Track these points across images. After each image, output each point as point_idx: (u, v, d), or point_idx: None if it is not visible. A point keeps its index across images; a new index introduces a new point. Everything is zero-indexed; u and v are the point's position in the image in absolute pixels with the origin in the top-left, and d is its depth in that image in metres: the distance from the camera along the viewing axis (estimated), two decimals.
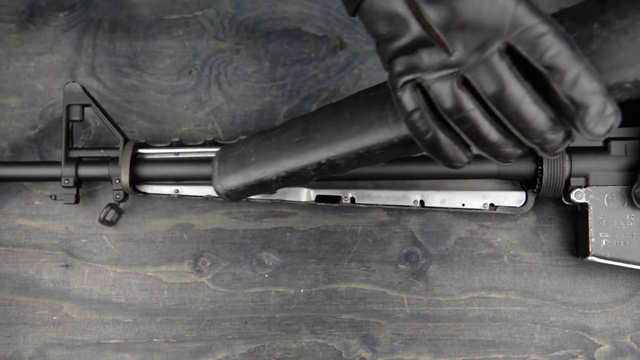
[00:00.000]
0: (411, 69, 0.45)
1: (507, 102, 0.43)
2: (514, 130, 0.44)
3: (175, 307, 0.67)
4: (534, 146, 0.45)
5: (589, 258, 0.62)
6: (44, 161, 0.65)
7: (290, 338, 0.66)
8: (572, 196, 0.62)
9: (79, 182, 0.64)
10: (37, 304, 0.67)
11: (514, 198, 0.64)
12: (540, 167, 0.61)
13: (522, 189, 0.65)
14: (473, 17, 0.43)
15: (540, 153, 0.46)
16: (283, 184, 0.57)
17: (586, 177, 0.62)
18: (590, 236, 0.61)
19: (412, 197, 0.65)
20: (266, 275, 0.67)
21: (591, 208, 0.62)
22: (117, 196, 0.64)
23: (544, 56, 0.42)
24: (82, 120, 0.64)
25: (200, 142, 0.65)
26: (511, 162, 0.48)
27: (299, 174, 0.56)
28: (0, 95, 0.72)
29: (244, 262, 0.68)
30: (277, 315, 0.66)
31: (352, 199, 0.65)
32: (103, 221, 0.65)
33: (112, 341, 0.66)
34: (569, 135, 0.45)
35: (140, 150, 0.64)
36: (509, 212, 0.64)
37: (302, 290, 0.67)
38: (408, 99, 0.45)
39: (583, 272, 0.66)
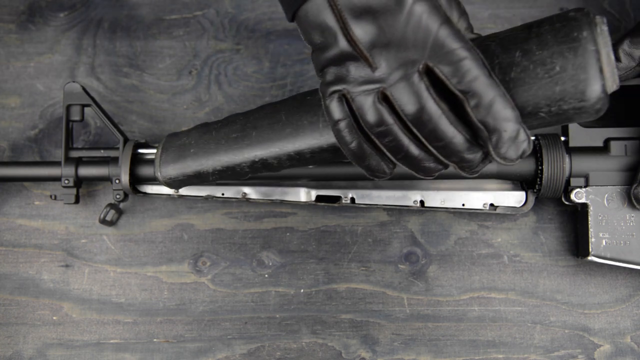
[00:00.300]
0: (339, 79, 0.46)
1: (424, 121, 0.45)
2: (431, 148, 0.46)
3: (175, 307, 0.67)
4: (451, 164, 0.47)
5: (589, 258, 0.62)
6: (44, 161, 0.65)
7: (290, 338, 0.66)
8: (572, 196, 0.62)
9: (79, 182, 0.64)
10: (37, 304, 0.67)
11: (514, 198, 0.64)
12: (540, 167, 0.61)
13: (522, 189, 0.65)
14: (397, 37, 0.44)
15: (459, 171, 0.47)
16: (219, 177, 0.59)
17: (586, 177, 0.62)
18: (590, 236, 0.61)
19: (412, 197, 0.65)
20: (266, 275, 0.67)
21: (591, 208, 0.62)
22: (117, 196, 0.64)
23: (462, 81, 0.44)
24: (82, 120, 0.64)
25: None
26: (434, 176, 0.49)
27: (234, 169, 0.57)
28: (0, 95, 0.72)
29: (244, 262, 0.68)
30: (277, 315, 0.66)
31: (352, 199, 0.65)
32: (103, 221, 0.65)
33: (112, 341, 0.66)
34: (487, 156, 0.46)
35: (140, 150, 0.64)
36: (509, 212, 0.64)
37: (302, 290, 0.67)
38: (335, 108, 0.47)
39: (583, 272, 0.66)
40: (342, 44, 0.45)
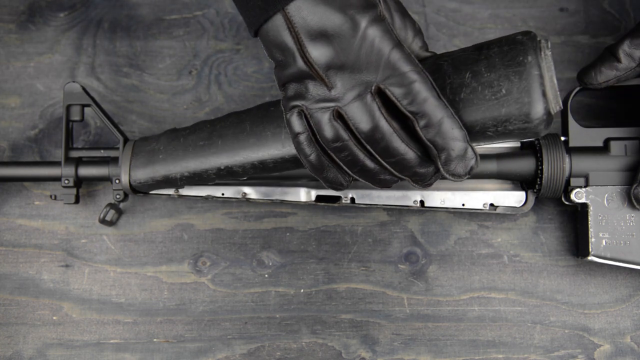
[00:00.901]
0: (299, 95, 0.49)
1: (376, 139, 0.48)
2: (384, 164, 0.49)
3: (175, 307, 0.67)
4: (405, 178, 0.50)
5: (589, 258, 0.62)
6: (44, 161, 0.65)
7: (290, 338, 0.66)
8: (572, 196, 0.62)
9: (79, 182, 0.64)
10: (37, 304, 0.67)
11: (514, 198, 0.64)
12: (540, 167, 0.61)
13: (522, 189, 0.65)
14: (351, 59, 0.46)
15: (412, 185, 0.51)
16: (187, 182, 0.61)
17: (586, 177, 0.62)
18: (590, 236, 0.61)
19: (412, 197, 0.65)
20: (266, 275, 0.67)
21: (591, 208, 0.62)
22: (117, 196, 0.64)
23: (412, 102, 0.46)
24: (82, 120, 0.64)
25: None
26: (390, 187, 0.53)
27: (200, 175, 0.60)
28: (0, 95, 0.72)
29: (244, 262, 0.68)
30: (277, 315, 0.66)
31: (352, 199, 0.65)
32: (103, 221, 0.65)
33: (112, 341, 0.66)
34: (438, 169, 0.49)
35: None
36: (509, 212, 0.64)
37: (302, 290, 0.67)
38: (295, 121, 0.49)
39: (583, 272, 0.66)
40: (300, 64, 0.47)
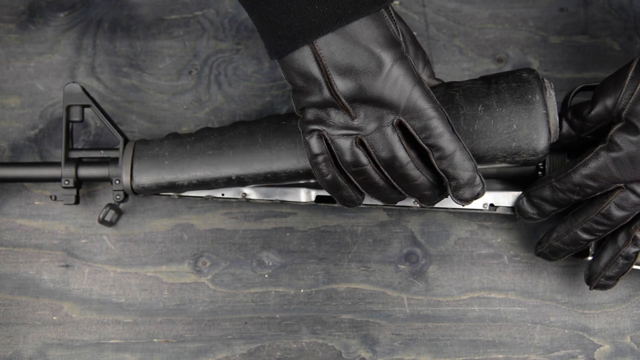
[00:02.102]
0: (319, 120, 0.52)
1: (395, 167, 0.52)
2: (398, 187, 0.53)
3: (175, 307, 0.67)
4: (414, 198, 0.55)
5: (589, 258, 0.62)
6: (44, 162, 0.65)
7: (290, 338, 0.66)
8: None
9: (79, 182, 0.64)
10: (37, 304, 0.67)
11: (514, 198, 0.64)
12: (540, 167, 0.61)
13: (522, 189, 0.65)
14: (376, 95, 0.50)
15: (419, 204, 0.56)
16: (192, 189, 0.63)
17: None
18: None
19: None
20: (266, 275, 0.67)
21: None
22: (118, 197, 0.63)
23: (429, 136, 0.51)
24: (82, 120, 0.64)
25: None
26: (396, 203, 0.59)
27: (208, 184, 0.62)
28: (0, 95, 0.72)
29: (244, 262, 0.68)
30: (277, 316, 0.66)
31: None
32: (102, 221, 0.65)
33: (112, 341, 0.66)
34: (443, 192, 0.54)
35: None
36: (509, 212, 0.64)
37: (302, 291, 0.67)
38: (314, 144, 0.53)
39: (583, 272, 0.66)
40: (326, 94, 0.50)
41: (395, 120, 0.51)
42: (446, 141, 0.51)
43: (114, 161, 0.63)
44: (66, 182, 0.63)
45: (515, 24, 0.73)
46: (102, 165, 0.63)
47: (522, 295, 0.66)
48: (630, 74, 0.57)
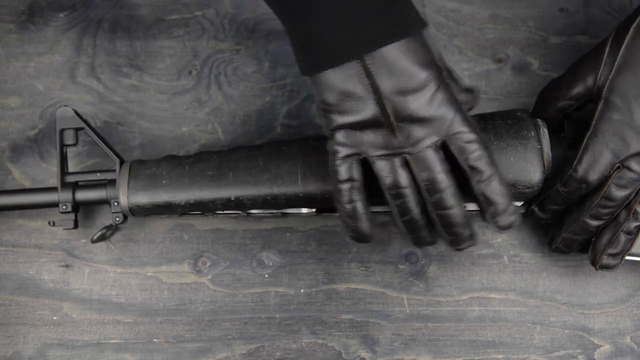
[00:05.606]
0: (355, 143, 0.52)
1: (436, 189, 0.52)
2: (433, 215, 0.53)
3: (175, 308, 0.67)
4: (444, 235, 0.55)
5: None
6: (40, 188, 0.64)
7: (290, 338, 0.66)
8: None
9: (76, 207, 0.63)
10: (37, 304, 0.67)
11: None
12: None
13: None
14: (421, 115, 0.50)
15: (451, 247, 0.56)
16: (189, 210, 0.62)
17: None
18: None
19: None
20: (266, 276, 0.67)
21: None
22: (117, 219, 0.63)
23: (469, 158, 0.51)
24: (76, 144, 0.63)
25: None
26: (420, 247, 0.59)
27: (206, 205, 0.61)
28: (0, 95, 0.72)
29: (244, 262, 0.68)
30: (277, 316, 0.66)
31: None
32: (95, 242, 0.65)
33: (112, 341, 0.66)
34: (472, 237, 0.55)
35: None
36: None
37: (302, 291, 0.67)
38: (344, 169, 0.52)
39: (583, 272, 0.66)
40: (369, 112, 0.50)
41: (439, 142, 0.51)
42: (485, 165, 0.52)
43: (111, 183, 0.63)
44: (64, 207, 0.62)
45: (515, 24, 0.73)
46: (100, 188, 0.63)
47: (522, 296, 0.66)
48: (606, 50, 0.57)
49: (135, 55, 0.73)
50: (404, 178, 0.52)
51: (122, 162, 0.63)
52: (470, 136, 0.51)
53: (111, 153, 0.63)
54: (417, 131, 0.51)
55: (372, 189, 0.54)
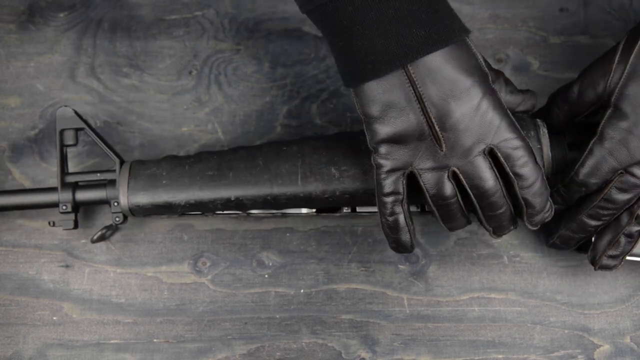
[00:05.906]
0: (399, 156, 0.52)
1: (486, 195, 0.52)
2: (481, 216, 0.54)
3: (175, 308, 0.67)
4: (489, 227, 0.56)
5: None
6: (40, 188, 0.64)
7: (290, 338, 0.66)
8: None
9: (76, 207, 0.63)
10: (37, 304, 0.67)
11: None
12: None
13: None
14: (467, 123, 0.50)
15: (491, 234, 0.56)
16: (189, 210, 0.62)
17: None
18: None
19: None
20: (266, 276, 0.67)
21: None
22: (117, 219, 0.63)
23: (515, 165, 0.52)
24: (76, 144, 0.63)
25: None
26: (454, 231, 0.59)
27: (206, 205, 0.61)
28: (0, 95, 0.72)
29: (244, 262, 0.68)
30: (277, 316, 0.66)
31: (353, 208, 0.65)
32: (95, 242, 0.65)
33: (112, 341, 0.66)
34: (515, 223, 0.56)
35: None
36: None
37: (302, 291, 0.67)
38: (389, 183, 0.52)
39: (583, 272, 0.66)
40: (413, 122, 0.50)
41: (486, 149, 0.51)
42: (530, 170, 0.52)
43: (111, 183, 0.63)
44: (64, 207, 0.62)
45: (515, 24, 0.73)
46: (100, 188, 0.63)
47: (522, 296, 0.66)
48: (617, 57, 0.57)
49: (135, 55, 0.73)
50: (449, 189, 0.52)
51: (122, 162, 0.63)
52: (517, 142, 0.51)
53: (111, 153, 0.63)
54: (464, 140, 0.51)
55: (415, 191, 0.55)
